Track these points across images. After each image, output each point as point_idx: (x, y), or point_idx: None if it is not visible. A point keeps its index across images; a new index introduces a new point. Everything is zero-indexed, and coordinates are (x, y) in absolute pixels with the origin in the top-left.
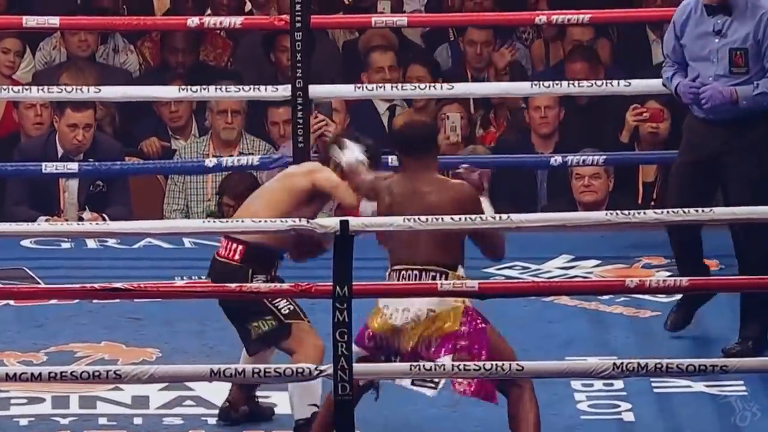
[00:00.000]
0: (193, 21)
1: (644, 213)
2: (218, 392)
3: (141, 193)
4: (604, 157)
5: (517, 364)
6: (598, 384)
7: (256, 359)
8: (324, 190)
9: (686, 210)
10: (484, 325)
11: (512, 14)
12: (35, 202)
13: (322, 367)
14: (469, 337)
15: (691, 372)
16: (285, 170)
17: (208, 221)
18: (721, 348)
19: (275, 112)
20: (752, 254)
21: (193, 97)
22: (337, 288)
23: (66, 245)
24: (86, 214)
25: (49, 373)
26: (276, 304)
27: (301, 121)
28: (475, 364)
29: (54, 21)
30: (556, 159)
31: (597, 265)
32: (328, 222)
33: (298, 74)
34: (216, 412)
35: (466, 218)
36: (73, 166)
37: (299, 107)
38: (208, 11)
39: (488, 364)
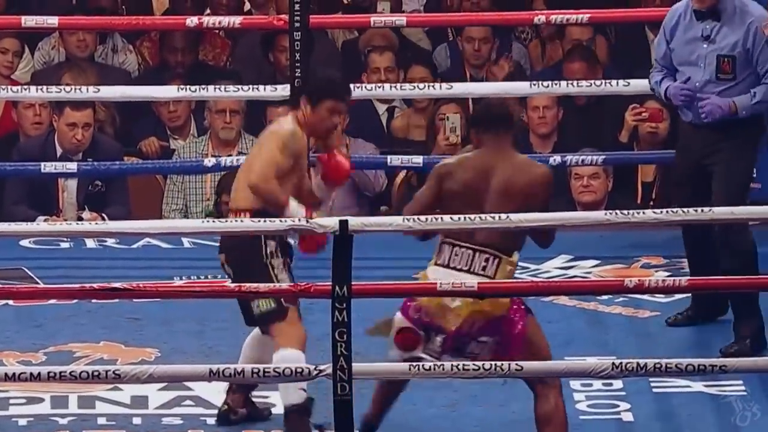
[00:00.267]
0: (192, 21)
1: (643, 213)
2: (217, 392)
3: (140, 193)
4: (603, 157)
5: (517, 364)
6: (597, 384)
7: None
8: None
9: (686, 210)
10: (523, 321)
11: (511, 14)
12: (34, 201)
13: (322, 367)
14: (508, 326)
15: (690, 372)
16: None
17: (207, 221)
18: (719, 348)
19: (274, 112)
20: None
21: (192, 96)
22: (337, 288)
23: (65, 245)
24: (85, 214)
25: (48, 373)
26: (280, 281)
27: None
28: (474, 364)
29: (53, 21)
30: (555, 159)
31: (596, 265)
32: (328, 222)
33: (297, 74)
34: (215, 412)
35: (464, 218)
36: (72, 166)
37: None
38: (207, 11)
39: (487, 364)
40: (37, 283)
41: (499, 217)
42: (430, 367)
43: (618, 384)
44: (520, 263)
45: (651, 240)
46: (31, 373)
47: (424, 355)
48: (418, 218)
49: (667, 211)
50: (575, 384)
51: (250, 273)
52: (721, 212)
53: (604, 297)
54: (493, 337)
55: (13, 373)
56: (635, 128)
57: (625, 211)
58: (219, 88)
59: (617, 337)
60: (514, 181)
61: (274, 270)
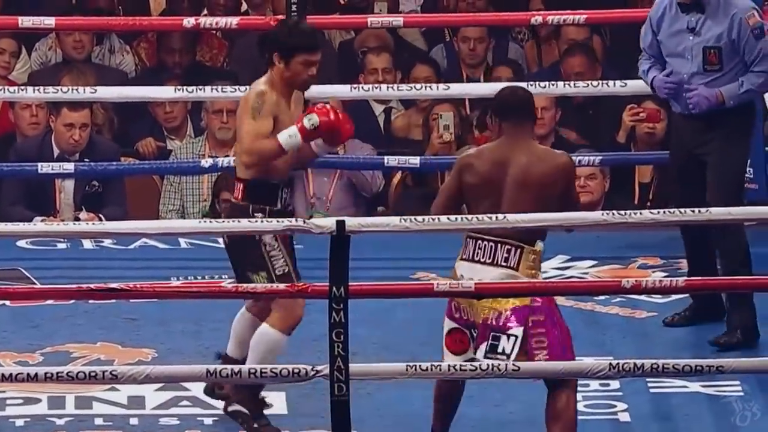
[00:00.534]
0: (189, 21)
1: (640, 213)
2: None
3: (137, 194)
4: (601, 157)
5: (514, 364)
6: (594, 384)
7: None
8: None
9: (683, 210)
10: (554, 302)
11: (508, 14)
12: (31, 202)
13: (319, 367)
14: (543, 311)
15: (687, 372)
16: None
17: (204, 221)
18: (708, 339)
19: None
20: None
21: (189, 97)
22: (334, 288)
23: (62, 245)
24: (82, 215)
25: (45, 373)
26: (273, 261)
27: None
28: (471, 364)
29: (50, 21)
30: None
31: (593, 266)
32: (324, 222)
33: None
34: (212, 412)
35: (461, 218)
36: (69, 167)
37: None
38: (205, 12)
39: (484, 364)
40: (34, 283)
41: (496, 217)
42: (427, 367)
43: (615, 384)
44: None
45: (648, 240)
46: (28, 374)
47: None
48: (415, 219)
49: (664, 212)
50: None
51: (243, 247)
52: (718, 213)
53: (601, 297)
54: (532, 330)
55: (10, 374)
56: (632, 128)
57: (623, 212)
58: (216, 89)
59: (614, 338)
60: (531, 170)
61: (266, 247)
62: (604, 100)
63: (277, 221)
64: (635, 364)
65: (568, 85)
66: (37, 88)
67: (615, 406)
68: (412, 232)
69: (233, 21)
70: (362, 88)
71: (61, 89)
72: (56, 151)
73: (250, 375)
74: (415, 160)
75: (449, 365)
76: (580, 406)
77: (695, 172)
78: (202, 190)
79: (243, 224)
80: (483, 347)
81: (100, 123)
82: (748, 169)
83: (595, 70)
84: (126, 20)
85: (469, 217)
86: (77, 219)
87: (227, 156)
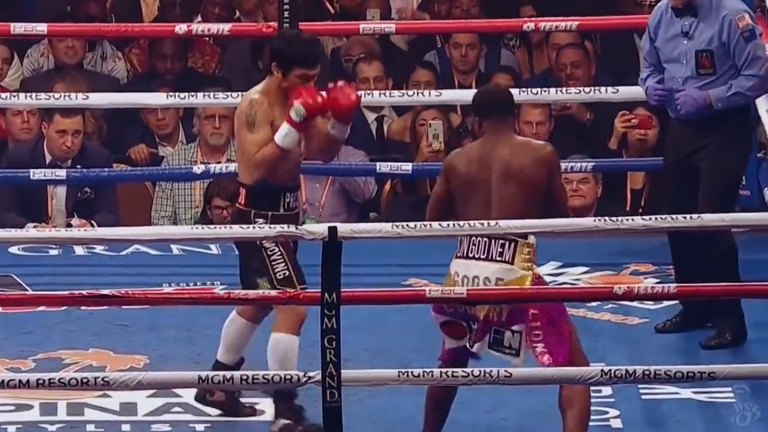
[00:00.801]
0: (180, 28)
1: (632, 220)
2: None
3: (129, 200)
4: (593, 163)
5: (506, 371)
6: None
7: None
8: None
9: (674, 216)
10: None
11: (500, 21)
12: (23, 208)
13: (311, 373)
14: (542, 307)
15: (679, 379)
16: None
17: (196, 228)
18: (699, 341)
19: None
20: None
21: (181, 103)
22: (326, 294)
23: (54, 252)
24: (74, 221)
25: (37, 379)
26: (274, 266)
27: None
28: (463, 371)
29: (42, 28)
30: None
31: (585, 272)
32: (317, 228)
33: None
34: (204, 418)
35: (453, 224)
36: (61, 173)
37: None
38: (199, 18)
39: (476, 371)
40: (26, 289)
41: (488, 223)
42: (419, 374)
43: (607, 390)
44: None
45: (640, 247)
46: (20, 380)
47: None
48: (407, 225)
49: (656, 218)
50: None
51: (247, 253)
52: (710, 219)
53: (593, 304)
54: (531, 323)
55: (2, 380)
56: (624, 135)
57: (614, 218)
58: (208, 95)
59: (606, 344)
60: (514, 162)
61: (266, 251)
62: (596, 107)
63: (270, 227)
64: (627, 371)
65: (561, 91)
66: (29, 94)
67: (607, 413)
68: (404, 238)
69: (225, 27)
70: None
71: (54, 95)
72: (48, 158)
73: (242, 381)
74: (407, 167)
75: (441, 371)
76: None
77: (688, 177)
78: (194, 196)
79: (235, 230)
80: (486, 340)
81: (89, 131)
82: None
83: (590, 66)
84: (118, 27)
85: (461, 223)
86: (69, 225)
87: (219, 162)
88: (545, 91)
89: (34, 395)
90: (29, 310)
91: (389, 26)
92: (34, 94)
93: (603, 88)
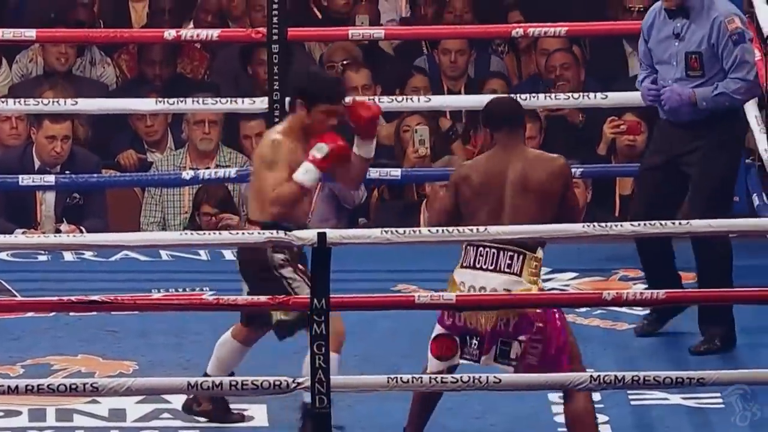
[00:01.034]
0: (170, 33)
1: (621, 225)
2: None
3: (118, 206)
4: (581, 169)
5: (495, 376)
6: None
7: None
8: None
9: (663, 222)
10: (558, 312)
11: (489, 27)
12: (12, 214)
13: (300, 379)
14: (545, 318)
15: (668, 384)
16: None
17: (186, 233)
18: (688, 347)
19: (246, 126)
20: (709, 260)
21: (170, 109)
22: (315, 300)
23: (43, 258)
24: (63, 227)
25: (26, 385)
26: (296, 291)
27: None
28: (452, 377)
29: (30, 33)
30: None
31: (574, 278)
32: (306, 234)
33: (275, 87)
34: (193, 424)
35: (442, 230)
36: (50, 179)
37: (276, 120)
38: (190, 25)
39: (465, 377)
40: (15, 295)
41: (477, 229)
42: (408, 380)
43: (596, 396)
44: None
45: (629, 253)
46: (9, 386)
47: (463, 362)
48: (396, 231)
49: (645, 224)
50: (553, 396)
51: (265, 287)
52: (699, 225)
53: (582, 309)
54: (533, 336)
55: None
56: (613, 141)
57: (603, 224)
58: (197, 101)
59: (595, 350)
60: (530, 175)
61: (287, 280)
62: (585, 113)
63: (258, 233)
64: (616, 377)
65: (550, 97)
66: (18, 100)
67: (596, 419)
68: (393, 244)
69: (214, 33)
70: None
71: (42, 101)
72: (37, 163)
73: (231, 387)
74: (396, 172)
75: (430, 377)
76: (561, 419)
77: (673, 180)
78: (183, 202)
79: (224, 236)
80: (491, 353)
81: (81, 137)
82: None
83: (579, 71)
84: (107, 32)
85: (450, 229)
86: (58, 231)
87: (208, 168)
88: (534, 97)
89: (23, 401)
90: (18, 316)
91: (378, 32)
92: (22, 100)
93: (592, 94)
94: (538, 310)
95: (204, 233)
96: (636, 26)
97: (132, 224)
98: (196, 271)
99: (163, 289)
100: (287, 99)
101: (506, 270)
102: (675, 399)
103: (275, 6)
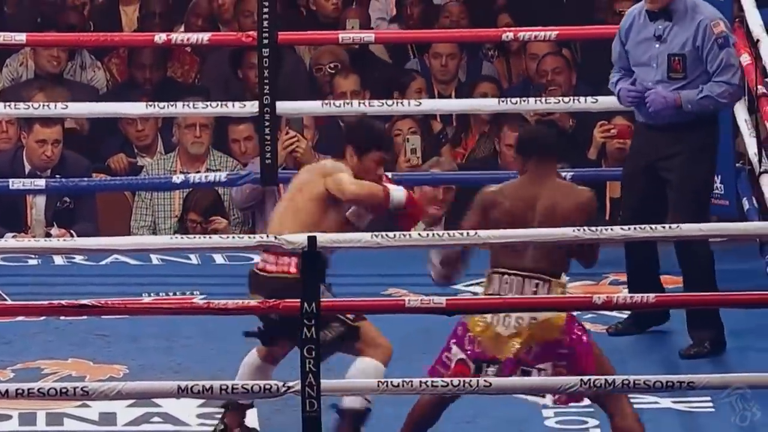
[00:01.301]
0: (160, 37)
1: (611, 229)
2: (186, 409)
3: (108, 210)
4: (572, 173)
5: (485, 380)
6: None
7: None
8: (332, 192)
9: (653, 226)
10: (585, 337)
11: (479, 31)
12: (2, 218)
13: (290, 383)
14: (571, 346)
15: (659, 388)
16: (300, 177)
17: (176, 237)
18: (679, 351)
19: (235, 130)
20: (693, 265)
21: (161, 113)
22: (305, 304)
23: (33, 262)
24: (54, 231)
25: (16, 389)
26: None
27: (268, 137)
28: (443, 380)
29: (21, 37)
30: None
31: None
32: (296, 239)
33: (265, 90)
34: (183, 428)
35: (432, 234)
36: (41, 183)
37: (267, 123)
38: (181, 29)
39: (456, 380)
40: (5, 299)
41: (467, 233)
42: (398, 383)
43: (587, 401)
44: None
45: (619, 256)
46: None
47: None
48: (386, 235)
49: (635, 228)
50: (544, 401)
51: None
52: (689, 229)
53: (573, 313)
54: (556, 362)
55: None
56: (603, 145)
57: (594, 228)
58: (188, 105)
59: None
60: (558, 207)
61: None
62: (575, 117)
63: (249, 237)
64: (606, 380)
65: (540, 101)
66: (8, 103)
67: (587, 423)
68: (383, 248)
69: (204, 37)
70: (333, 104)
71: (33, 105)
72: (27, 167)
73: (221, 391)
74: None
75: (421, 381)
76: (551, 423)
77: (648, 183)
78: (174, 206)
79: (215, 240)
80: None
81: (81, 132)
82: (719, 185)
83: (570, 73)
84: (97, 36)
85: (440, 233)
86: (48, 235)
87: (198, 172)
88: (525, 101)
89: (13, 405)
90: (8, 320)
91: (369, 36)
92: (13, 104)
93: (582, 98)
94: (565, 338)
95: (194, 237)
96: None
97: (122, 228)
98: (186, 275)
99: (153, 293)
100: (277, 103)
101: None
102: (665, 403)
103: (265, 10)
